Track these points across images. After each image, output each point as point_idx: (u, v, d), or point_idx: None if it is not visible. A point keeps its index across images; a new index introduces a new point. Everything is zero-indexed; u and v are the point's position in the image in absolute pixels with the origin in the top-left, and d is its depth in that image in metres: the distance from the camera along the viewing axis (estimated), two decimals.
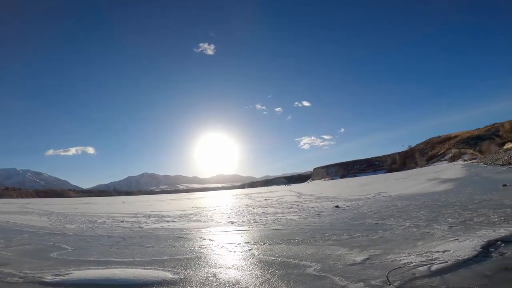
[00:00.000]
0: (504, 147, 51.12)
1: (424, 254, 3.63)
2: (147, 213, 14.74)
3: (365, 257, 3.69)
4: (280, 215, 9.95)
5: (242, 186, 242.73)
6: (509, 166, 23.77)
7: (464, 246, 3.80)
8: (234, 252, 4.60)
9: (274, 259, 3.95)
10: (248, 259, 4.05)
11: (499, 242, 3.80)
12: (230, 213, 12.45)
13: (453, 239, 4.34)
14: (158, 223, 10.06)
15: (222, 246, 5.14)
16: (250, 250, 4.64)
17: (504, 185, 10.54)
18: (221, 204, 20.19)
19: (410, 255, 3.65)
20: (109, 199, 63.99)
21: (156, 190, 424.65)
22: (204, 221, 9.84)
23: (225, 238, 6.08)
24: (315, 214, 9.20)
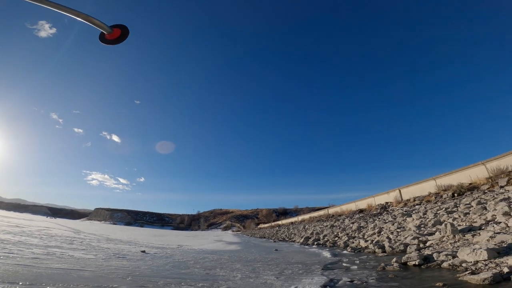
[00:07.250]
0: (259, 226, 70.38)
1: None
2: None
3: None
4: (55, 249, 6.35)
5: None
6: (264, 239, 31.87)
7: None
8: None
9: None
10: None
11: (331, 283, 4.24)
12: None
13: (294, 287, 4.41)
14: None
15: None
16: None
17: (276, 250, 13.42)
18: None
19: None
20: None
21: None
22: None
23: None
24: (119, 257, 6.64)
